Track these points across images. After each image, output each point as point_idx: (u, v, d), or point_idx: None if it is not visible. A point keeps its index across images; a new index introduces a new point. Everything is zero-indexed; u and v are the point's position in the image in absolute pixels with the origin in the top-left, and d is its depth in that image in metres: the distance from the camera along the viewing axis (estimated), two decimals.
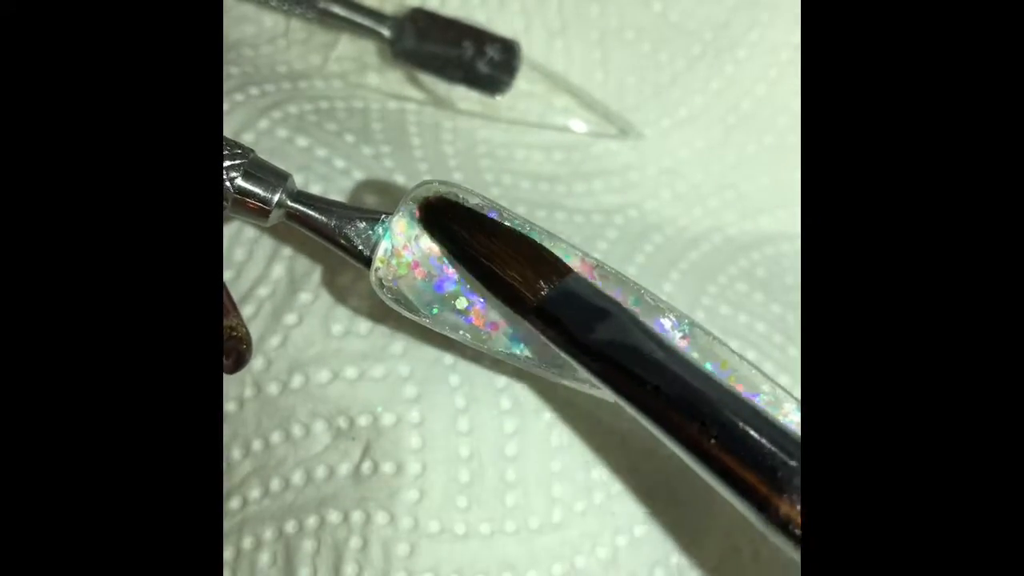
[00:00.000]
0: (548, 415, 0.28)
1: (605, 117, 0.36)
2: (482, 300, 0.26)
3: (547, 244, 0.25)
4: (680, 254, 0.34)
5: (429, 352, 0.28)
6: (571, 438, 0.28)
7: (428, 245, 0.26)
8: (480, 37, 0.34)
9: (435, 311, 0.26)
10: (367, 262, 0.26)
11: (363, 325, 0.28)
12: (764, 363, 0.31)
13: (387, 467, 0.27)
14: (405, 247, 0.25)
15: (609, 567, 0.28)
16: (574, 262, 0.25)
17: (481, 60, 0.34)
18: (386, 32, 0.34)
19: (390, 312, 0.28)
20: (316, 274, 0.29)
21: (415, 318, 0.26)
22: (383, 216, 0.26)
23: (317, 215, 0.26)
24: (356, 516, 0.27)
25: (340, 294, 0.29)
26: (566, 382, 0.26)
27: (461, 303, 0.26)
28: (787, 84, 0.35)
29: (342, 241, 0.26)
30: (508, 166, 0.35)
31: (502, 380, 0.28)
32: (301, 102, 0.34)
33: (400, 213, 0.26)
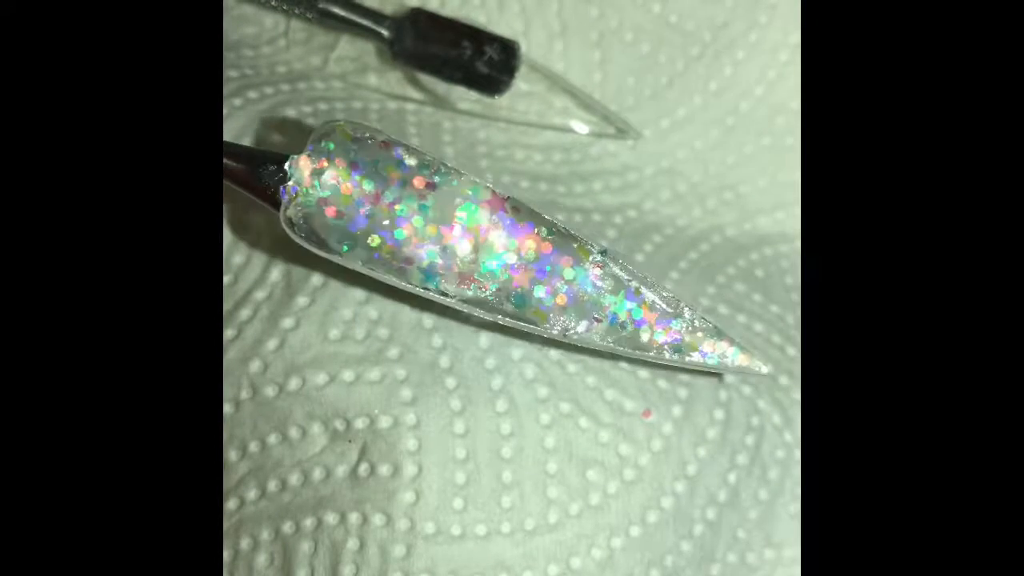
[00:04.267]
0: (544, 417, 0.28)
1: (604, 118, 0.36)
2: (395, 238, 0.26)
3: (454, 179, 0.26)
4: (680, 253, 0.34)
5: (425, 356, 0.29)
6: (566, 440, 0.28)
7: (337, 182, 0.26)
8: (479, 37, 0.34)
9: (346, 248, 0.26)
10: (277, 204, 0.26)
11: (359, 330, 0.29)
12: None
13: (384, 469, 0.27)
14: (312, 186, 0.26)
15: (605, 568, 0.28)
16: (484, 194, 0.26)
17: (480, 60, 0.34)
18: (386, 32, 0.34)
19: (386, 317, 0.29)
20: (313, 279, 0.29)
21: (326, 255, 0.26)
22: (291, 156, 0.26)
23: (226, 160, 0.26)
24: (353, 517, 0.27)
25: (336, 299, 0.29)
26: (482, 314, 0.27)
27: (374, 240, 0.26)
28: (785, 85, 0.35)
29: (253, 184, 0.26)
30: (507, 166, 0.35)
31: (498, 382, 0.29)
32: (300, 104, 0.34)
33: (306, 152, 0.26)
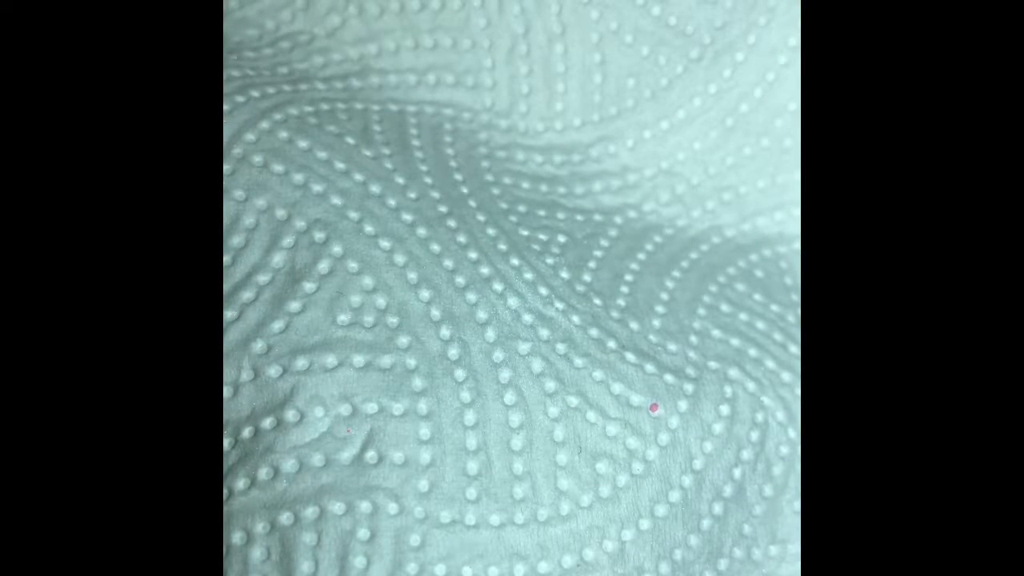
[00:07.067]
0: (552, 410, 0.28)
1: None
2: None
3: None
4: (680, 254, 0.35)
5: (433, 347, 0.28)
6: (575, 433, 0.28)
7: None
8: None
9: None
10: None
11: (368, 317, 0.28)
12: (766, 359, 0.32)
13: (396, 457, 0.27)
14: None
15: (617, 560, 0.27)
16: None
17: None
18: None
19: (395, 307, 0.28)
20: (320, 265, 0.29)
21: None
22: None
23: None
24: (363, 506, 0.26)
25: (344, 286, 0.29)
26: None
27: None
28: (784, 87, 0.35)
29: None
30: (508, 167, 0.35)
31: (506, 375, 0.28)
32: (302, 104, 0.34)
33: None
